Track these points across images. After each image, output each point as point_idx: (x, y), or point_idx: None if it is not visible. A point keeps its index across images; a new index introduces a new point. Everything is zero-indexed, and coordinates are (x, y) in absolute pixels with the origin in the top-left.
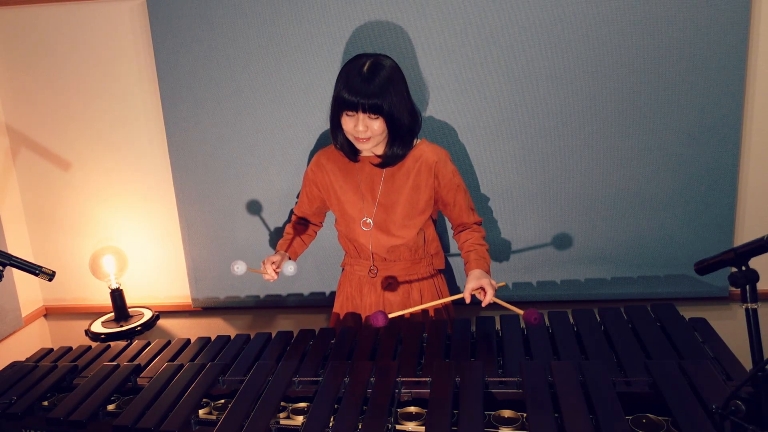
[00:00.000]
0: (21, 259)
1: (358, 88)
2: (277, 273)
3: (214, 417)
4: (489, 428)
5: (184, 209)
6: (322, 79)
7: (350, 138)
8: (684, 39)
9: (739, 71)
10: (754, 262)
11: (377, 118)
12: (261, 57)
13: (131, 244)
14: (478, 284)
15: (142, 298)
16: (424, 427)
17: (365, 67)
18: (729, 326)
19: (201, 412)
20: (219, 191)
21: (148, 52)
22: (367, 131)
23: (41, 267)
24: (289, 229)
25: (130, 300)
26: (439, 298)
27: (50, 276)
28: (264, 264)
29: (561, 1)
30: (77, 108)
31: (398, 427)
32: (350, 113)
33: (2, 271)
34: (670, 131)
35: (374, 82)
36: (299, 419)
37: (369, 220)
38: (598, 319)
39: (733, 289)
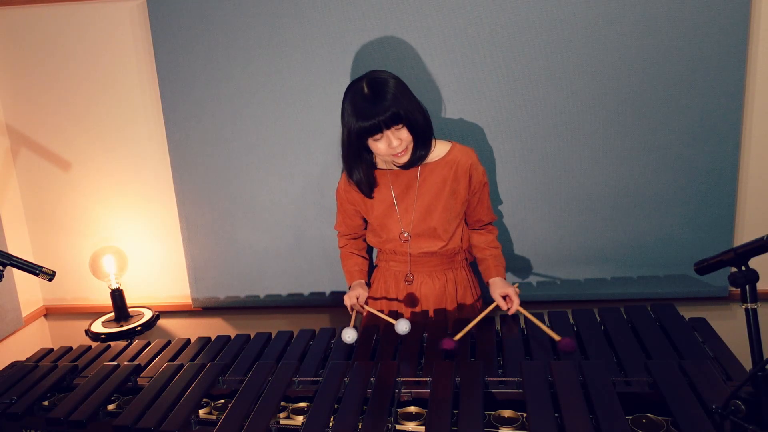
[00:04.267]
0: (21, 259)
1: (370, 110)
2: (362, 306)
3: (214, 417)
4: (489, 428)
5: (184, 209)
6: (322, 79)
7: (388, 158)
8: (684, 39)
9: (739, 71)
10: (754, 262)
11: (401, 127)
12: (261, 57)
13: (131, 244)
14: (504, 292)
15: (142, 298)
16: (424, 427)
17: (365, 89)
18: (729, 326)
19: (201, 412)
20: (219, 191)
21: (148, 52)
22: (402, 143)
23: (41, 267)
24: (345, 253)
25: (130, 300)
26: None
27: (50, 276)
28: (349, 305)
29: (561, 1)
30: (77, 108)
31: (398, 427)
32: (377, 137)
33: (2, 271)
34: (670, 131)
35: (381, 95)
36: (299, 419)
37: (406, 234)
38: (598, 319)
39: (733, 289)
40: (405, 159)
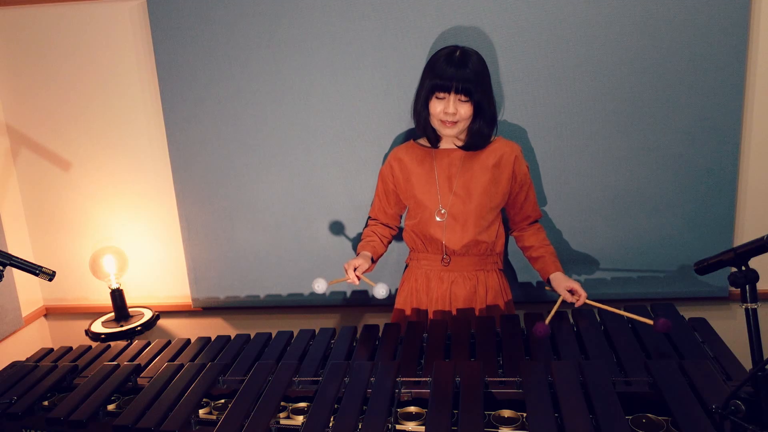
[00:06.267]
0: (21, 259)
1: (451, 70)
2: (358, 277)
3: (214, 417)
4: (489, 428)
5: (184, 209)
6: (322, 79)
7: (436, 123)
8: (684, 39)
9: (739, 71)
10: (754, 262)
11: (467, 101)
12: (261, 57)
13: (131, 244)
14: (570, 285)
15: (142, 298)
16: (424, 427)
17: (457, 53)
18: (729, 326)
19: (201, 412)
20: (219, 191)
21: (148, 52)
22: (456, 114)
23: (41, 267)
24: (368, 231)
25: (130, 300)
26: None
27: (50, 276)
28: (346, 269)
29: (561, 1)
30: (77, 108)
31: (398, 427)
32: (441, 95)
33: (2, 271)
34: (670, 131)
35: (468, 66)
36: (299, 419)
37: (443, 210)
38: (598, 319)
39: (733, 289)
40: (450, 132)
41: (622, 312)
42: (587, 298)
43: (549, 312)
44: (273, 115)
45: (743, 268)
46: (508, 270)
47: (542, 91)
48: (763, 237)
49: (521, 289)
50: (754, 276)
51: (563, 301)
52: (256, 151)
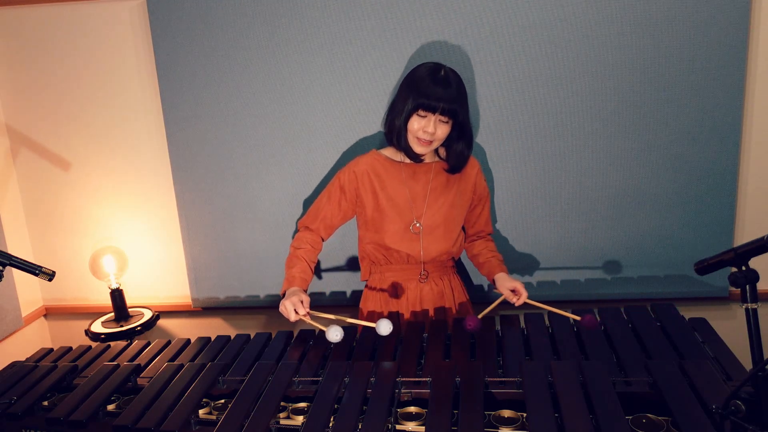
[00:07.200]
0: (21, 259)
1: (439, 91)
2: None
3: (214, 417)
4: (489, 428)
5: (184, 209)
6: (322, 79)
7: (411, 139)
8: (684, 39)
9: (739, 71)
10: (754, 262)
11: (447, 122)
12: (261, 57)
13: (131, 244)
14: (512, 285)
15: (142, 298)
16: (424, 427)
17: (442, 73)
18: (729, 326)
19: (201, 412)
20: (219, 191)
21: (148, 52)
22: (435, 134)
23: (41, 267)
24: (297, 256)
25: (130, 300)
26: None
27: (50, 276)
28: (293, 311)
29: (561, 1)
30: (77, 108)
31: (398, 427)
32: (423, 114)
33: (2, 271)
34: (670, 131)
35: (453, 87)
36: (299, 419)
37: (418, 224)
38: (599, 319)
39: (733, 289)
40: (423, 150)
41: (552, 308)
42: (528, 298)
43: (488, 309)
44: (273, 115)
45: (743, 268)
46: (462, 272)
47: (542, 91)
48: (763, 237)
49: (475, 291)
50: (754, 276)
51: (505, 301)
52: (256, 151)
